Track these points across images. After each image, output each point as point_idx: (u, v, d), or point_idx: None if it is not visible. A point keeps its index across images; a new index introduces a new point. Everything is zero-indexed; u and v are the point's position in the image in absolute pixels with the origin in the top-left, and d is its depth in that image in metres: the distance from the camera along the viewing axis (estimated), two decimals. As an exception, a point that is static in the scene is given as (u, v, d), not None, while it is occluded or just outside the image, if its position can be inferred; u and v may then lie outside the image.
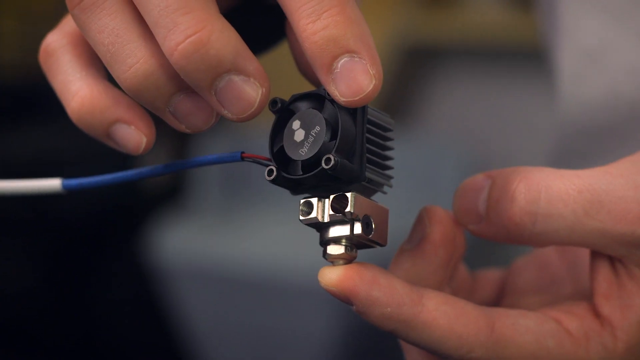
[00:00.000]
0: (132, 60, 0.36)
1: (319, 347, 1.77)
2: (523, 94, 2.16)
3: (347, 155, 0.37)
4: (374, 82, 0.36)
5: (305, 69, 0.42)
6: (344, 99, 0.36)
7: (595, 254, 0.41)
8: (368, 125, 0.38)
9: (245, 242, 1.90)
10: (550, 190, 0.39)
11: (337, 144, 0.37)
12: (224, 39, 0.34)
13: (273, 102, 0.39)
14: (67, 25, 0.41)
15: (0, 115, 1.93)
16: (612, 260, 0.40)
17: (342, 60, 0.35)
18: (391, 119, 0.39)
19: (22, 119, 1.98)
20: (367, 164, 0.37)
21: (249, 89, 0.36)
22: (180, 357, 1.94)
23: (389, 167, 0.39)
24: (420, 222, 0.41)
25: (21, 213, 1.92)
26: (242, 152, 0.39)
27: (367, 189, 0.38)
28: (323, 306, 1.73)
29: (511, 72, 2.19)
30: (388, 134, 0.39)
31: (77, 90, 0.39)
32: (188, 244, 1.90)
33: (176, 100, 0.37)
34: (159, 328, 1.97)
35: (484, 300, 0.46)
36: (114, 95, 0.39)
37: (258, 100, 0.36)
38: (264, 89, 0.36)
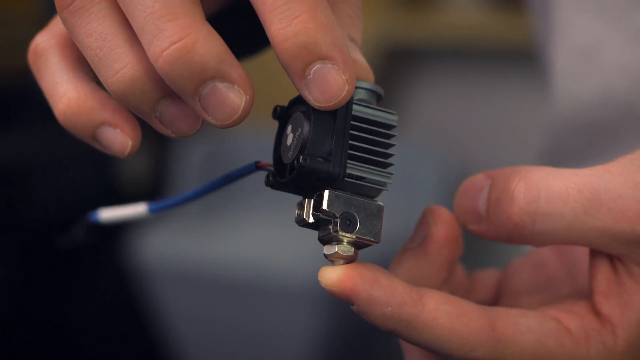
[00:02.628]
0: (119, 65, 0.36)
1: (300, 347, 1.77)
2: (506, 95, 2.16)
3: (324, 154, 0.37)
4: (347, 87, 0.36)
5: None
6: (318, 104, 0.36)
7: (595, 253, 0.41)
8: (354, 122, 0.38)
9: (226, 244, 1.89)
10: (549, 190, 0.39)
11: (308, 144, 0.37)
12: (208, 46, 0.34)
13: (274, 110, 0.40)
14: (56, 26, 0.41)
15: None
16: (612, 259, 0.40)
17: (315, 67, 0.35)
18: (392, 115, 0.39)
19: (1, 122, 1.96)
20: (350, 161, 0.37)
21: (233, 96, 0.35)
22: (160, 358, 1.94)
23: (385, 164, 0.38)
24: (424, 222, 0.41)
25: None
26: (257, 162, 0.40)
27: (363, 187, 0.38)
28: (304, 307, 1.73)
29: (492, 73, 2.19)
30: (385, 130, 0.39)
31: (64, 92, 0.39)
32: (168, 246, 1.89)
33: (162, 105, 0.37)
34: (139, 330, 1.96)
35: (481, 300, 0.46)
36: (101, 97, 0.39)
37: (242, 107, 0.36)
38: (247, 96, 0.36)
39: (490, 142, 2.19)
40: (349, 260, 0.38)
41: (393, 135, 0.39)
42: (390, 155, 0.39)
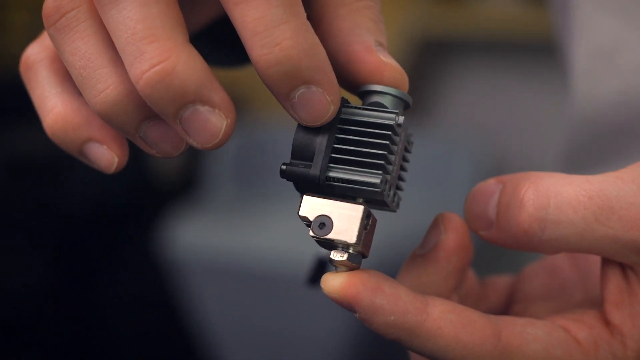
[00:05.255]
0: (102, 86, 0.36)
1: (331, 340, 1.77)
2: (538, 88, 2.14)
3: (307, 160, 0.37)
4: (332, 107, 0.36)
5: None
6: (305, 123, 0.37)
7: (606, 261, 0.40)
8: (341, 126, 0.38)
9: (258, 236, 1.90)
10: (559, 197, 0.38)
11: (291, 152, 0.37)
12: (189, 70, 0.34)
13: None
14: (47, 38, 0.41)
15: (10, 109, 1.94)
16: (624, 268, 0.39)
17: (299, 92, 0.35)
18: (389, 114, 0.38)
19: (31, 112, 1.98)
20: (334, 164, 0.37)
21: (214, 119, 0.35)
22: (192, 350, 1.95)
23: (374, 164, 0.37)
24: (435, 228, 0.40)
25: (31, 209, 1.93)
26: None
27: (352, 189, 0.37)
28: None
29: (525, 66, 2.17)
30: (377, 130, 0.38)
31: (52, 106, 0.39)
32: (201, 238, 1.90)
33: (146, 126, 0.37)
34: (170, 321, 1.97)
35: (493, 307, 0.45)
36: (88, 113, 0.39)
37: (223, 130, 0.36)
38: (229, 120, 0.36)
39: (524, 135, 2.17)
40: (351, 267, 0.37)
41: (386, 135, 0.38)
42: (379, 155, 0.37)
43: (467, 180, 1.98)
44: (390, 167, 0.38)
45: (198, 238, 1.89)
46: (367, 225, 0.37)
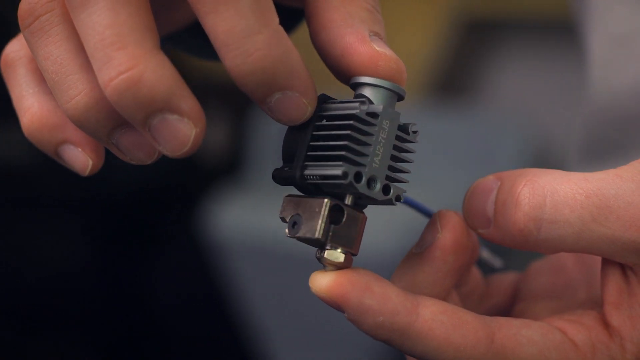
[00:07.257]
0: (74, 92, 0.36)
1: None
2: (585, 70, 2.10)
3: (291, 163, 0.37)
4: (309, 108, 0.36)
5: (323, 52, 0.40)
6: (283, 123, 0.37)
7: (606, 261, 0.39)
8: (317, 123, 0.37)
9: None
10: (556, 195, 0.36)
11: (282, 155, 0.38)
12: (156, 78, 0.34)
13: None
14: None
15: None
16: (624, 268, 0.38)
17: (275, 97, 0.35)
18: (353, 104, 0.36)
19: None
20: (309, 162, 0.37)
21: (183, 128, 0.35)
22: (236, 331, 1.96)
23: (336, 157, 0.36)
24: (433, 226, 0.40)
25: (76, 192, 1.94)
26: None
27: (325, 185, 0.37)
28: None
29: (573, 47, 2.14)
30: (342, 122, 0.37)
31: (29, 106, 0.39)
32: (245, 220, 1.90)
33: (118, 133, 0.36)
34: (214, 303, 1.98)
35: (497, 305, 0.44)
36: (64, 115, 0.39)
37: (191, 139, 0.35)
38: (198, 129, 0.35)
39: (570, 118, 2.14)
40: (339, 266, 0.37)
41: (347, 125, 0.36)
42: (340, 146, 0.36)
43: (513, 163, 1.96)
44: (361, 158, 0.36)
45: (242, 219, 1.89)
46: (338, 221, 0.36)
